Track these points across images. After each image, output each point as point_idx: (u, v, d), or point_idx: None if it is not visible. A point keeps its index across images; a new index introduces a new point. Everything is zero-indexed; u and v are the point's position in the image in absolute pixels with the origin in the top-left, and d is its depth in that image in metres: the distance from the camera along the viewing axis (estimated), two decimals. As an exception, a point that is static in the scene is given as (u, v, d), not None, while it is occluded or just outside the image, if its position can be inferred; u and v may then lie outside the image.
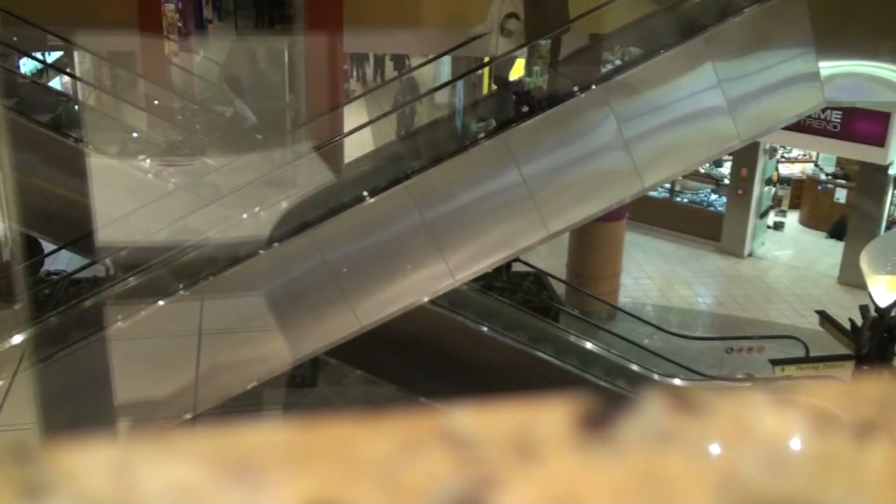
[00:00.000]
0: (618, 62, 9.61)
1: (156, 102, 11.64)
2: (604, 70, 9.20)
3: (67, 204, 8.59)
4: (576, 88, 7.93)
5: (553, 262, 13.74)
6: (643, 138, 7.82)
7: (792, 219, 17.40)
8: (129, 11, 10.89)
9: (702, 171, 16.49)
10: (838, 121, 14.27)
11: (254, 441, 0.47)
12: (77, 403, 7.37)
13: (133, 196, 8.62)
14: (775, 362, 9.73)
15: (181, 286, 7.62)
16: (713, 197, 16.87)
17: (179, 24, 12.90)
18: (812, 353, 10.78)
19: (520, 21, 8.48)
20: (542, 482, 0.46)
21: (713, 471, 0.47)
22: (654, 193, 15.27)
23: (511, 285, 12.03)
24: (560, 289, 13.16)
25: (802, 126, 13.73)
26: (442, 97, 13.73)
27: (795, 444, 0.49)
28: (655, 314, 13.59)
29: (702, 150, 8.28)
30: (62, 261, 11.10)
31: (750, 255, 15.98)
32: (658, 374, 10.78)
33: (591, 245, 13.31)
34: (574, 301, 13.19)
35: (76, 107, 10.63)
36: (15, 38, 10.59)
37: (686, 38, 7.92)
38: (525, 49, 9.04)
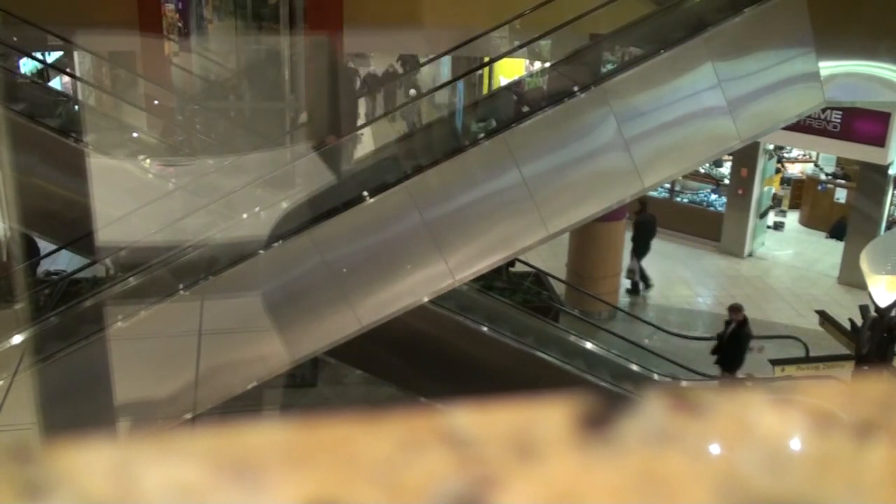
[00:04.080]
0: (613, 64, 9.60)
1: (156, 102, 11.64)
2: (604, 70, 9.19)
3: (66, 204, 8.59)
4: (576, 88, 7.93)
5: (553, 262, 13.74)
6: (643, 138, 7.82)
7: (792, 219, 17.38)
8: (129, 11, 10.90)
9: (702, 171, 16.47)
10: (838, 121, 14.27)
11: (254, 441, 0.47)
12: (77, 403, 7.37)
13: (133, 196, 8.61)
14: (775, 362, 9.74)
15: (181, 286, 7.62)
16: (713, 197, 16.86)
17: (179, 24, 12.89)
18: (812, 353, 10.78)
19: None
20: (542, 482, 0.46)
21: (713, 471, 0.47)
22: (654, 193, 15.24)
23: (511, 285, 12.02)
24: (560, 289, 13.15)
25: (802, 126, 13.72)
26: (441, 97, 13.71)
27: (795, 444, 0.49)
28: (655, 314, 13.58)
29: (702, 150, 8.28)
30: (62, 261, 11.11)
31: (750, 255, 15.97)
32: (658, 374, 10.78)
33: (591, 245, 13.31)
34: (574, 301, 13.19)
35: (76, 107, 10.62)
36: (15, 38, 10.59)
37: (686, 38, 7.92)
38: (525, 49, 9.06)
